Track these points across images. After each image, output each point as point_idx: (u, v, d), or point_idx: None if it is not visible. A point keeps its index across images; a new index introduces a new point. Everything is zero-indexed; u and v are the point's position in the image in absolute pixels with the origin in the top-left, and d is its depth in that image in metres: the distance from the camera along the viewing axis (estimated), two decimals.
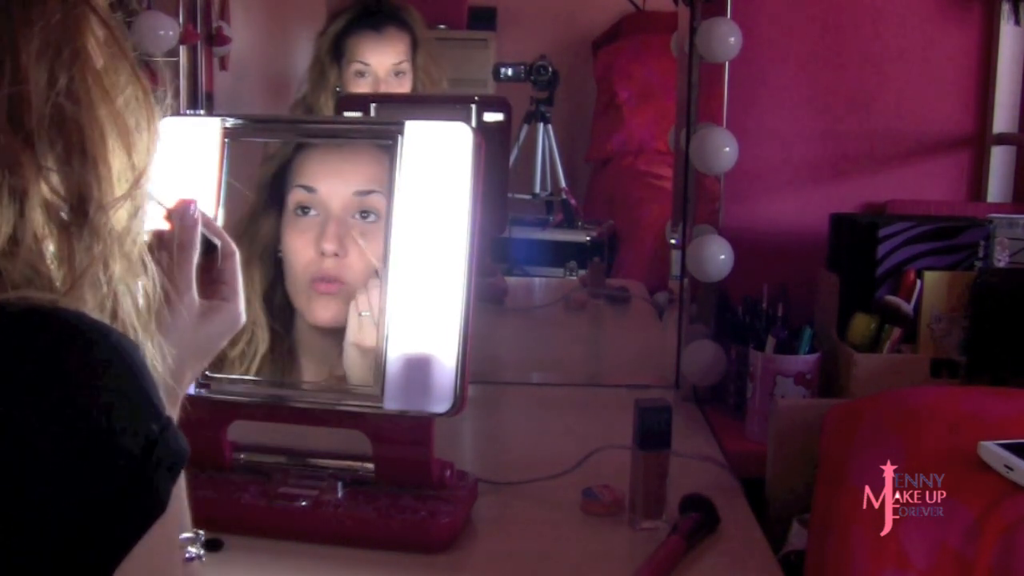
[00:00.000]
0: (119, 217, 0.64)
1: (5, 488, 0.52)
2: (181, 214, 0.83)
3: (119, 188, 0.64)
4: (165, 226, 0.82)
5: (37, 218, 0.60)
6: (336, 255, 1.21)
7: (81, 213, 0.62)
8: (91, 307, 0.62)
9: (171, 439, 0.58)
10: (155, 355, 0.67)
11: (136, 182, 0.65)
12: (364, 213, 1.21)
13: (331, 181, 1.22)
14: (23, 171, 0.59)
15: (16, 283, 0.59)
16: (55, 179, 0.60)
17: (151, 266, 0.67)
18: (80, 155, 0.61)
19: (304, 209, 1.23)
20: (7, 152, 0.58)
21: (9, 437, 0.53)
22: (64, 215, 0.61)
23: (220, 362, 1.20)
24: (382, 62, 2.00)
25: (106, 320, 0.63)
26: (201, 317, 0.83)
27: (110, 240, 0.63)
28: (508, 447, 1.54)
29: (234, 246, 0.89)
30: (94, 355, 0.57)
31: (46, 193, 0.60)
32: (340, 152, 1.24)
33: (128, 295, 0.65)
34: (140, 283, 0.67)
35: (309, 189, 1.23)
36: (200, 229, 0.84)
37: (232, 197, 1.21)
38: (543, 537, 1.20)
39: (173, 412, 0.77)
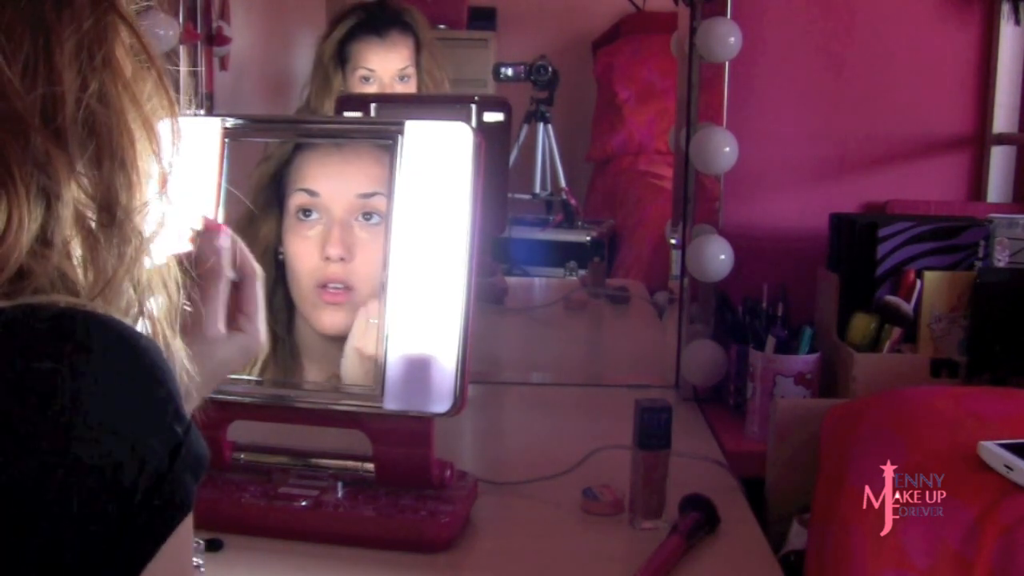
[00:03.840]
0: (147, 221, 0.64)
1: (35, 490, 0.53)
2: (209, 240, 0.85)
3: (147, 193, 0.65)
4: (189, 246, 0.83)
5: (66, 219, 0.60)
6: (342, 259, 1.20)
7: (110, 216, 0.62)
8: (119, 311, 0.63)
9: (194, 442, 0.59)
10: (183, 358, 0.68)
11: (163, 187, 0.65)
12: (367, 215, 1.20)
13: (333, 183, 1.21)
14: (55, 171, 0.59)
15: (41, 285, 0.59)
16: (85, 181, 0.61)
17: (175, 271, 0.68)
18: (110, 159, 0.62)
19: (306, 213, 1.22)
20: (39, 151, 0.59)
21: (40, 438, 0.53)
22: (93, 218, 0.62)
23: None
24: (387, 68, 1.99)
25: (133, 323, 0.63)
26: (218, 346, 0.86)
27: (138, 244, 0.63)
28: (508, 447, 1.54)
29: (258, 270, 0.90)
30: (124, 359, 0.58)
31: (76, 194, 0.61)
32: (341, 153, 1.23)
33: (156, 299, 0.66)
34: (168, 288, 0.68)
35: (311, 193, 1.22)
36: (228, 258, 0.86)
37: (232, 197, 1.21)
38: (543, 537, 1.20)
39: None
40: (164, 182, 0.66)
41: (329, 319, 1.22)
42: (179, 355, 0.68)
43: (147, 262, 0.65)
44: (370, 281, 1.19)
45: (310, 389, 1.22)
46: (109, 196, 0.62)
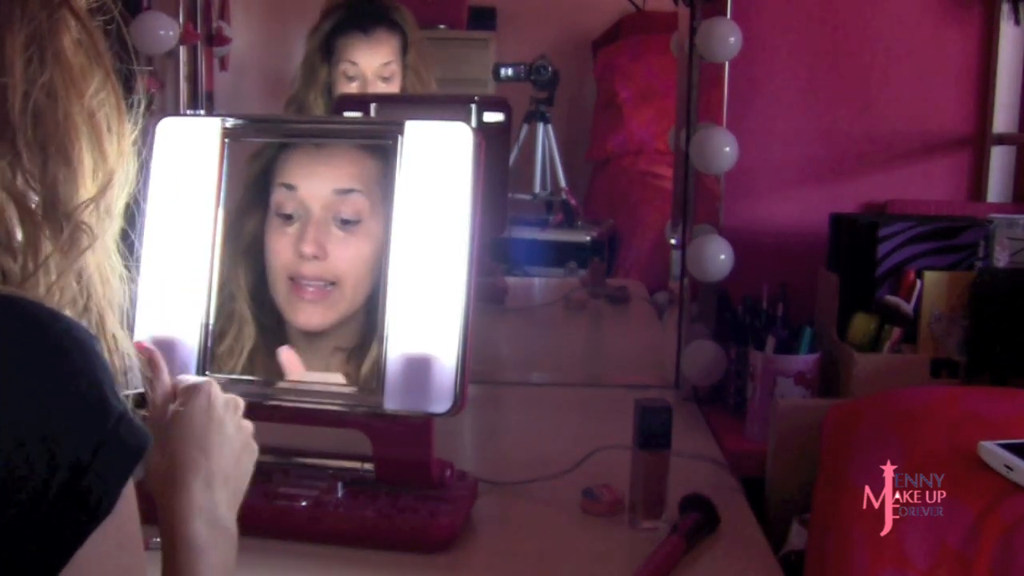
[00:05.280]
0: (91, 215, 0.65)
1: None
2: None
3: (90, 188, 0.65)
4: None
5: (3, 206, 0.60)
6: (316, 258, 1.21)
7: (53, 207, 0.63)
8: (62, 300, 0.63)
9: (123, 436, 0.58)
10: (132, 353, 0.68)
11: (107, 183, 0.66)
12: (345, 221, 1.20)
13: (311, 180, 1.22)
14: None
15: None
16: (29, 171, 0.62)
17: (120, 267, 0.69)
18: (56, 152, 0.63)
19: (286, 213, 1.22)
20: None
21: None
22: (35, 208, 0.62)
23: (212, 359, 1.20)
24: (369, 64, 1.99)
25: (79, 317, 0.63)
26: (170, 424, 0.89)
27: (81, 236, 0.64)
28: (508, 447, 1.54)
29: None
30: (41, 347, 0.57)
31: (19, 183, 0.61)
32: (320, 152, 1.23)
33: (101, 290, 0.66)
34: (113, 283, 0.68)
35: (289, 187, 1.22)
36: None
37: (231, 197, 1.21)
38: (543, 537, 1.20)
39: (198, 494, 0.84)
40: (108, 178, 0.66)
41: (304, 315, 1.22)
42: (127, 349, 0.68)
43: (92, 253, 0.64)
44: (349, 278, 1.20)
45: (309, 389, 1.21)
46: (53, 189, 0.62)
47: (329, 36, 2.01)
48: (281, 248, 1.22)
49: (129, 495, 0.59)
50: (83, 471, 0.55)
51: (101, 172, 0.65)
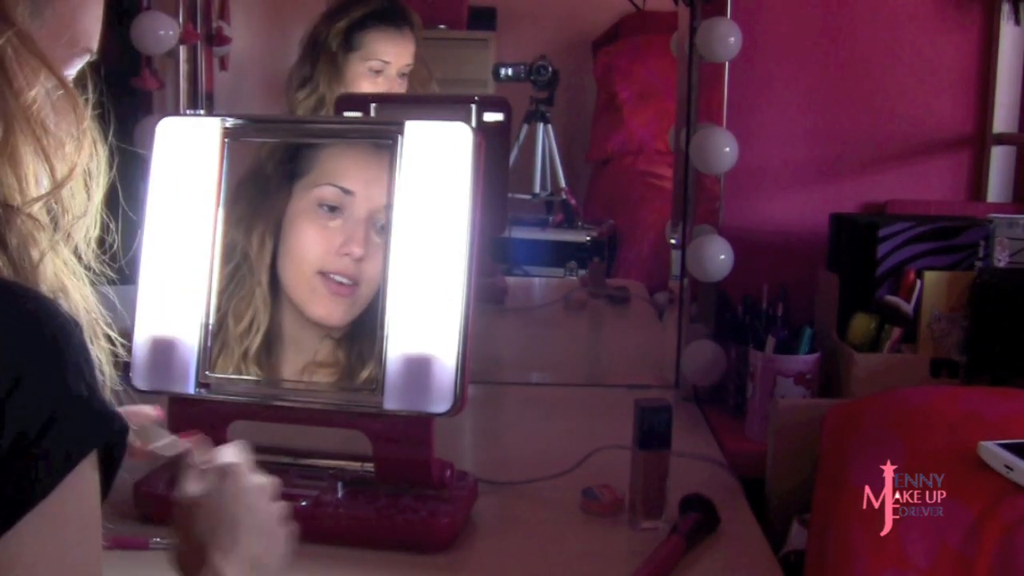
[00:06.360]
0: (40, 213, 0.62)
1: None
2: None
3: (33, 190, 0.62)
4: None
5: None
6: (360, 259, 1.20)
7: None
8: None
9: (79, 419, 0.56)
10: (103, 363, 0.66)
11: (58, 187, 0.63)
12: (382, 227, 1.20)
13: (370, 189, 1.21)
14: None
15: None
16: None
17: (76, 266, 0.66)
18: None
19: (331, 206, 1.22)
20: None
21: None
22: None
23: (223, 341, 1.20)
24: (399, 62, 1.98)
25: None
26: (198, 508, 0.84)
27: (24, 237, 0.61)
28: (508, 447, 1.54)
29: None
30: (6, 317, 0.55)
31: None
32: (379, 160, 1.20)
33: (61, 296, 0.63)
34: (72, 278, 0.65)
35: (345, 191, 1.21)
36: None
37: (232, 195, 1.21)
38: (543, 537, 1.20)
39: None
40: (62, 183, 0.63)
41: (325, 308, 1.22)
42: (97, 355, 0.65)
43: (40, 256, 0.62)
44: (372, 283, 1.20)
45: (310, 389, 1.22)
46: None
47: (352, 29, 1.98)
48: (320, 240, 1.22)
49: (83, 486, 0.56)
50: (26, 447, 0.53)
51: (48, 176, 0.63)
